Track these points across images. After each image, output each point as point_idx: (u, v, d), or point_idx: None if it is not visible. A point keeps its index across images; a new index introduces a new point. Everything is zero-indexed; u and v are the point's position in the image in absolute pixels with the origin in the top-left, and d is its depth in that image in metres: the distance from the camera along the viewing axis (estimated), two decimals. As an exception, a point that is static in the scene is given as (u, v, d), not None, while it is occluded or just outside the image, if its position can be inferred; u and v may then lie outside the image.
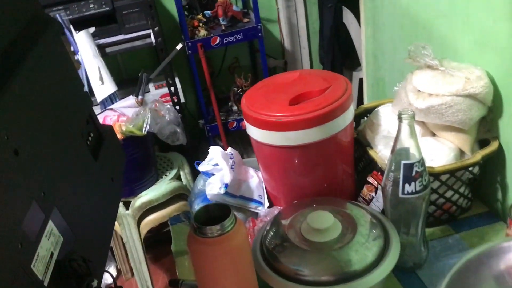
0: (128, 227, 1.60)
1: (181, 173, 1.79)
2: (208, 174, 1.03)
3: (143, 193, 1.63)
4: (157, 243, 2.06)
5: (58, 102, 0.71)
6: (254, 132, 0.96)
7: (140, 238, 1.64)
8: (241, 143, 2.34)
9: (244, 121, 0.99)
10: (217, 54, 2.28)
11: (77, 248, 0.68)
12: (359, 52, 2.05)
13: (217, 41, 1.93)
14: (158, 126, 1.53)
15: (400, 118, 0.78)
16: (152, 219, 1.65)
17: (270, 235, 0.87)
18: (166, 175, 1.73)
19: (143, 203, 1.60)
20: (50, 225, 0.63)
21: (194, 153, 2.14)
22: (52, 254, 0.62)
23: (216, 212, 0.73)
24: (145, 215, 1.64)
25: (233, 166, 1.02)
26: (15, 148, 0.56)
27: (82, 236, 0.71)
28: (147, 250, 1.74)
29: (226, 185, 0.97)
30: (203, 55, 1.91)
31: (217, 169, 1.01)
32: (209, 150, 1.04)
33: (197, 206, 1.03)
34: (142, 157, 1.61)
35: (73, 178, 0.72)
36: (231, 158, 1.03)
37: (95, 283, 0.65)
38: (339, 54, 2.19)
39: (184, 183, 1.77)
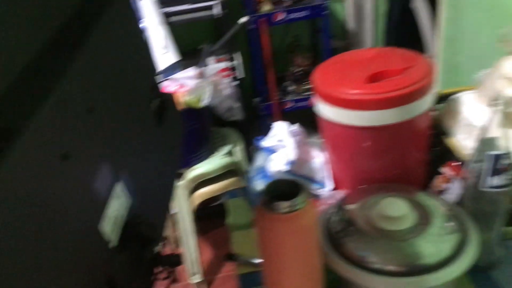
0: (180, 198, 1.60)
1: (235, 149, 1.77)
2: (271, 150, 1.00)
3: (197, 165, 1.62)
4: (204, 217, 2.07)
5: (127, 64, 0.71)
6: (325, 109, 0.91)
7: (191, 210, 1.64)
8: (295, 125, 2.29)
9: (313, 97, 0.95)
10: (276, 31, 2.22)
11: (141, 213, 0.67)
12: (427, 38, 1.95)
13: (281, 17, 1.88)
14: (217, 100, 1.50)
15: (492, 105, 0.71)
16: (204, 192, 1.64)
17: (335, 219, 0.83)
18: (220, 150, 1.72)
19: (197, 176, 1.60)
20: (119, 186, 0.62)
21: (246, 131, 2.12)
22: (119, 216, 0.61)
23: (286, 188, 0.69)
24: (196, 188, 1.64)
25: (297, 144, 0.98)
26: (89, 105, 0.56)
27: (147, 201, 0.70)
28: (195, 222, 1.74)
29: (290, 162, 0.93)
30: (266, 30, 1.87)
31: (281, 145, 0.97)
32: (273, 125, 1.00)
33: (257, 182, 1.00)
34: (198, 130, 1.59)
35: (139, 142, 0.72)
36: (296, 135, 0.99)
37: (157, 249, 0.63)
38: (406, 39, 2.09)
39: (237, 160, 1.74)
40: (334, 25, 2.24)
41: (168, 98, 0.86)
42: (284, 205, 0.65)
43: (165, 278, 0.64)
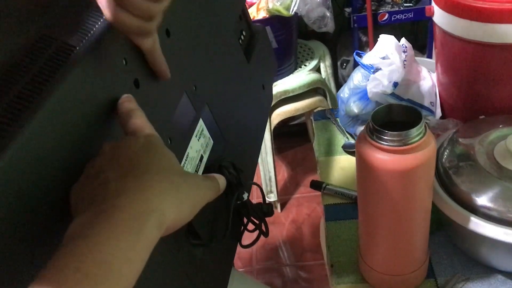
0: (260, 115, 1.52)
1: (321, 65, 1.62)
2: (371, 68, 0.86)
3: (279, 81, 1.51)
4: (281, 135, 2.00)
5: None
6: (445, 20, 0.75)
7: (270, 128, 1.56)
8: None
9: (432, 4, 0.78)
10: None
11: (226, 155, 0.60)
12: None
13: None
14: (307, 8, 1.34)
15: None
16: (285, 110, 1.54)
17: (448, 153, 0.70)
18: (305, 65, 1.58)
19: (278, 92, 1.49)
20: (201, 124, 0.55)
21: (334, 45, 1.94)
22: (201, 157, 0.54)
23: (400, 116, 0.57)
24: (278, 105, 1.54)
25: (405, 62, 0.83)
26: (166, 28, 0.49)
27: (232, 142, 0.62)
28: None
29: (396, 84, 0.80)
30: None
31: (385, 63, 0.83)
32: (378, 39, 0.85)
33: (353, 104, 0.88)
34: (283, 42, 1.46)
35: (224, 77, 0.63)
36: (404, 52, 0.84)
37: (245, 196, 0.55)
38: None
39: (324, 77, 1.61)
40: None
41: (258, 30, 0.75)
42: (395, 136, 0.53)
43: (254, 230, 0.56)
